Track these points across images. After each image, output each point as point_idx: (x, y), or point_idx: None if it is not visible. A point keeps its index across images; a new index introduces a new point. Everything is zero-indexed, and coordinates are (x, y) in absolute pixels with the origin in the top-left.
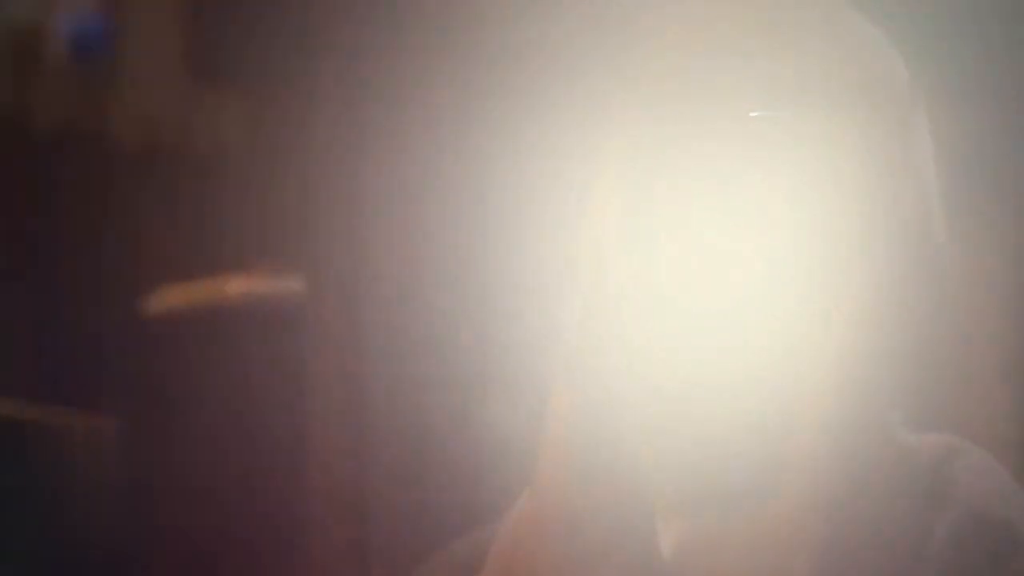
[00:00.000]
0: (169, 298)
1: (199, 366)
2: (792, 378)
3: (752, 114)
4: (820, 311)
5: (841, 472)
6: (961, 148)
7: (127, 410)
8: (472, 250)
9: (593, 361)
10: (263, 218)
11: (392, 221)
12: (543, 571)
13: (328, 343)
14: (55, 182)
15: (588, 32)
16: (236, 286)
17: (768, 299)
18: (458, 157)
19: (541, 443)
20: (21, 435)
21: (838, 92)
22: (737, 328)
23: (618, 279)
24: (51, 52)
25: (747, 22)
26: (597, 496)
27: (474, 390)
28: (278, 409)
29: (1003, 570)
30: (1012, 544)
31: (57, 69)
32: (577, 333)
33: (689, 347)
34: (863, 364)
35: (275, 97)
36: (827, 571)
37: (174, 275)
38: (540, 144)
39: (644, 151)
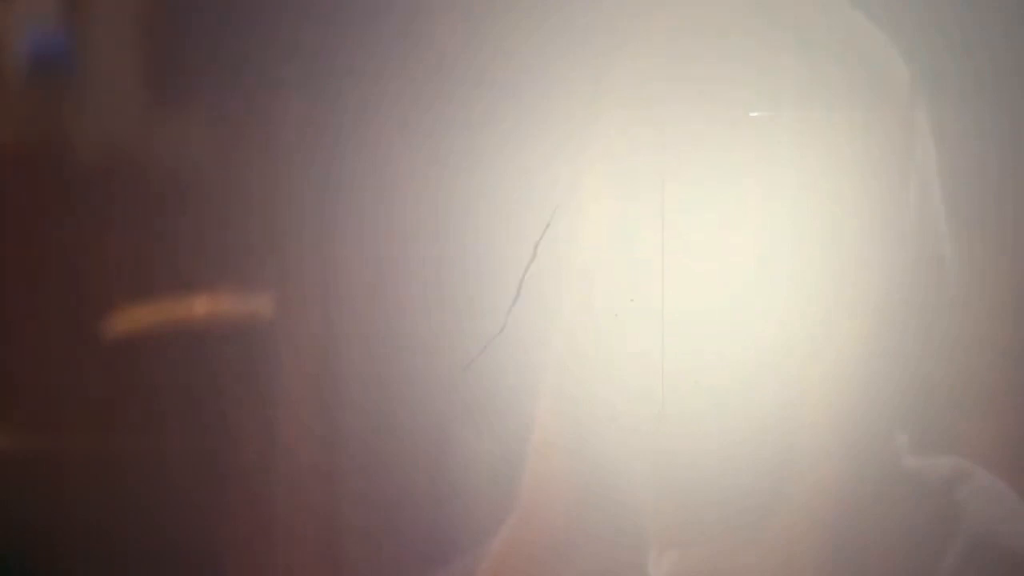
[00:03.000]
0: (134, 318)
1: (165, 387)
2: (793, 399)
3: (752, 114)
4: (822, 328)
5: (846, 498)
6: (961, 148)
7: (91, 432)
8: (453, 264)
9: (583, 379)
10: (230, 235)
11: (366, 236)
12: None
13: (300, 363)
14: (15, 199)
15: (578, 31)
16: (203, 305)
17: (768, 314)
18: (435, 167)
19: (527, 466)
20: None
21: (838, 92)
22: (735, 346)
23: (609, 291)
24: (11, 68)
25: (747, 22)
26: (587, 522)
27: (456, 409)
28: (248, 430)
29: None
30: (1023, 571)
31: (17, 85)
32: (566, 350)
33: (685, 365)
34: (867, 385)
35: (241, 112)
36: None
37: (139, 294)
38: (526, 153)
39: (637, 155)
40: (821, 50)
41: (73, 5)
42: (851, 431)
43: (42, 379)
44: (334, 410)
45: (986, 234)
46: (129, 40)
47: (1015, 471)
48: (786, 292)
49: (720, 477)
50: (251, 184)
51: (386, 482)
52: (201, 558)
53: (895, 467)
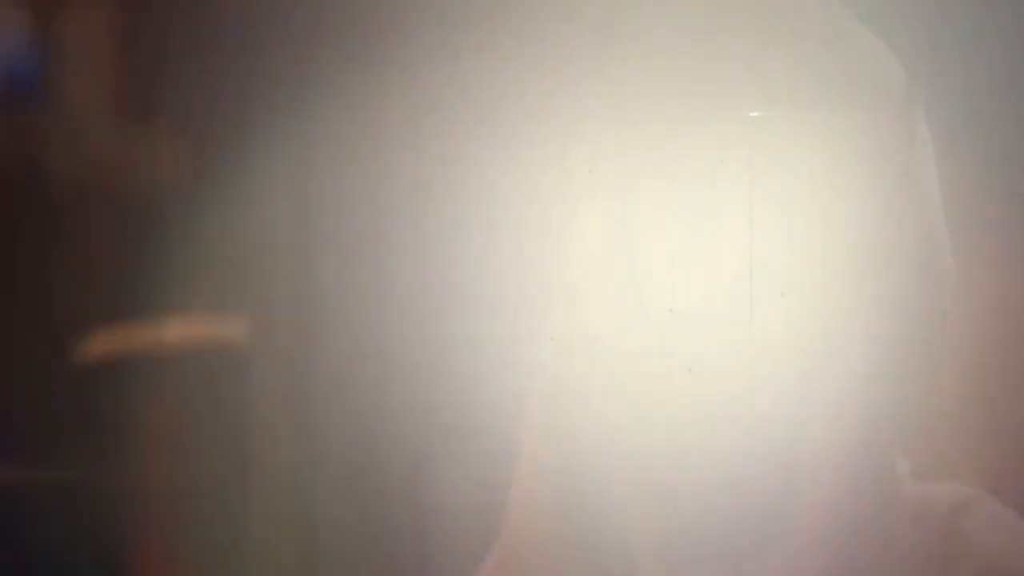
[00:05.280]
0: (107, 341)
1: (138, 411)
2: (790, 424)
3: (752, 114)
4: (820, 342)
5: (847, 527)
6: (960, 152)
7: (61, 459)
8: (434, 285)
9: (569, 402)
10: (204, 259)
11: (343, 255)
12: None
13: (275, 390)
14: None
15: (571, 29)
16: (176, 330)
17: (766, 333)
18: (414, 189)
19: (513, 492)
20: None
21: (836, 92)
22: (731, 368)
23: (601, 299)
24: None
25: (743, 22)
26: (575, 550)
27: (437, 435)
28: (223, 455)
29: None
30: None
31: None
32: (552, 371)
33: (677, 387)
34: (867, 408)
35: (215, 131)
36: None
37: (111, 317)
38: (515, 158)
39: (630, 156)
40: (818, 50)
41: (45, 25)
42: (851, 457)
43: (12, 403)
44: (310, 434)
45: (987, 243)
46: (101, 60)
47: (1022, 497)
48: (782, 301)
49: (717, 504)
50: (225, 204)
51: (365, 510)
52: None
53: (897, 495)
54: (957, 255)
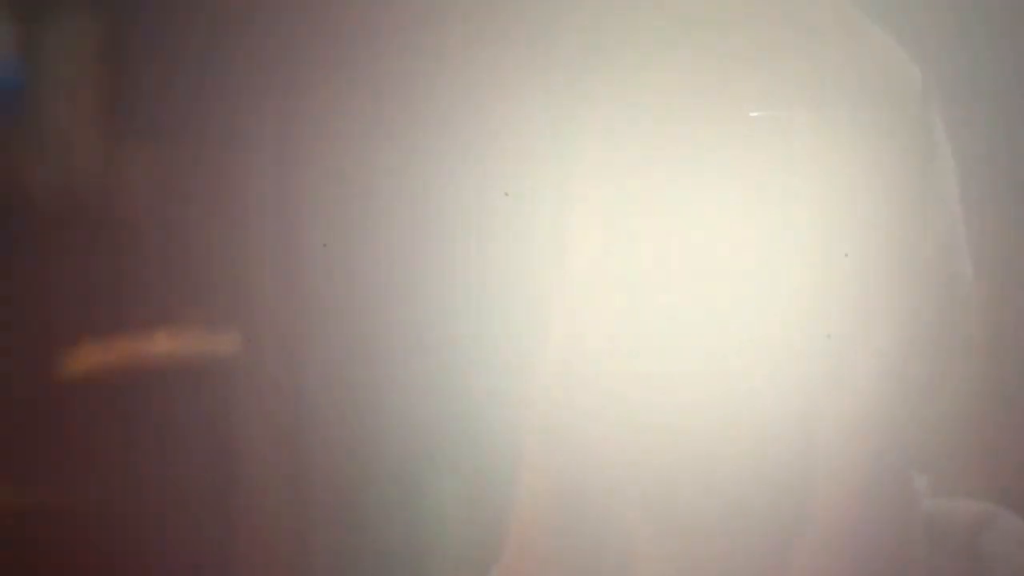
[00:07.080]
0: (93, 357)
1: (123, 429)
2: (802, 440)
3: (752, 114)
4: (831, 352)
5: (861, 547)
6: (971, 150)
7: (45, 478)
8: (428, 301)
9: (571, 423)
10: (194, 271)
11: (333, 271)
12: None
13: (264, 404)
14: None
15: (573, 26)
16: (164, 343)
17: (774, 341)
18: (404, 199)
19: (511, 517)
20: None
21: (849, 94)
22: (738, 382)
23: (601, 303)
24: None
25: (754, 24)
26: (578, 554)
27: (431, 448)
28: (211, 475)
29: None
30: None
31: None
32: (553, 390)
33: (683, 405)
34: (882, 422)
35: (202, 148)
36: None
37: (98, 334)
38: (508, 173)
39: (629, 155)
40: (830, 49)
41: (29, 47)
42: (866, 473)
43: None
44: (299, 451)
45: (1006, 247)
46: (86, 79)
47: None
48: (792, 307)
49: (725, 528)
50: (212, 220)
51: (357, 531)
52: None
53: (915, 512)
54: (976, 259)
